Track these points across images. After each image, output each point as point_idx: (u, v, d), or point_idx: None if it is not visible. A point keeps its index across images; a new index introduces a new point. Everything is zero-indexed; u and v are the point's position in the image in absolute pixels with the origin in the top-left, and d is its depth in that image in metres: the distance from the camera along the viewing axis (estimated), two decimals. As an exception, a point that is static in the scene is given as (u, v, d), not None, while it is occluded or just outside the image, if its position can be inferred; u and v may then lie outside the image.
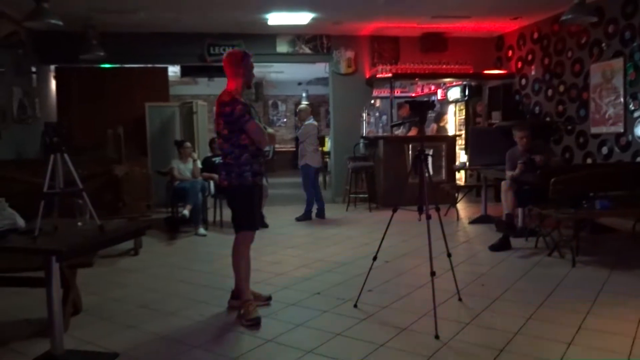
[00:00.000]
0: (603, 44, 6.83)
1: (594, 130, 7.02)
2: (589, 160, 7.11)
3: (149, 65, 9.02)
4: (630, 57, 6.38)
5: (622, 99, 6.50)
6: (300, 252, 5.45)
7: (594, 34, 6.99)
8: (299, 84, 15.64)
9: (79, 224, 3.01)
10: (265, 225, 6.59)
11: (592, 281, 4.14)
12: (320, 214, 7.50)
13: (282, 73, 13.40)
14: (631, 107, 6.38)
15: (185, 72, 10.42)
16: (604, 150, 6.85)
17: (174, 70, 10.44)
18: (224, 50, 8.61)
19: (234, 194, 3.52)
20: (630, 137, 6.41)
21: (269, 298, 3.80)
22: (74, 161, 3.03)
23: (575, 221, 5.01)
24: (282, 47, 8.90)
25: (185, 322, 3.45)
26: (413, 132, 8.57)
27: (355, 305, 3.63)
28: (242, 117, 3.39)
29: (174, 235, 6.48)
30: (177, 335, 3.20)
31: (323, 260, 5.04)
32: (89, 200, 2.96)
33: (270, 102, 16.31)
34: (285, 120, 16.72)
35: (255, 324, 3.32)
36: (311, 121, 7.62)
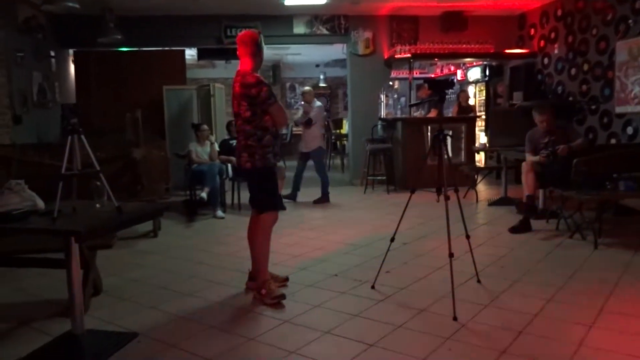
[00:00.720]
0: (630, 20, 6.62)
1: (619, 109, 6.84)
2: (613, 141, 6.94)
3: (166, 49, 9.03)
4: (658, 34, 6.18)
5: (649, 77, 6.32)
6: (318, 234, 5.46)
7: (620, 10, 6.78)
8: (317, 65, 15.53)
9: (97, 205, 3.04)
10: (283, 208, 6.60)
11: (615, 264, 4.07)
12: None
13: (299, 55, 13.31)
14: (658, 85, 6.20)
15: (202, 54, 10.41)
16: (629, 130, 6.68)
17: (190, 54, 10.45)
18: (241, 32, 8.57)
19: (258, 176, 3.52)
20: (657, 117, 6.24)
21: (286, 279, 3.81)
22: (93, 144, 3.06)
23: (598, 203, 4.92)
24: (299, 28, 8.82)
25: (203, 302, 3.48)
26: (433, 114, 8.46)
27: (372, 287, 3.62)
28: (269, 99, 3.38)
29: (193, 217, 6.53)
30: (195, 316, 3.24)
31: (340, 242, 5.03)
32: (106, 183, 2.98)
33: (287, 84, 16.22)
34: (302, 103, 16.61)
35: (279, 301, 3.35)
36: (319, 103, 7.59)
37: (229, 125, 7.47)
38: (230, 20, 8.53)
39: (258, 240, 3.57)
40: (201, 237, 5.58)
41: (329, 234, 5.45)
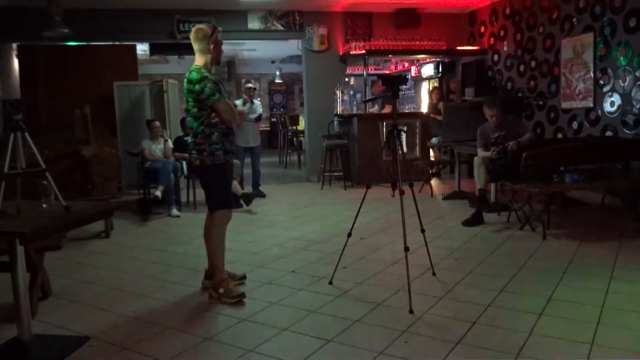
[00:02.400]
0: (574, 19, 6.88)
1: (565, 105, 7.10)
2: (559, 135, 7.21)
3: (117, 43, 8.76)
4: (600, 32, 6.43)
5: (592, 74, 6.58)
6: (275, 231, 5.43)
7: (565, 9, 7.03)
8: (272, 62, 15.44)
9: (44, 205, 2.92)
10: (239, 206, 6.52)
11: (562, 253, 4.22)
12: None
13: (254, 51, 13.19)
14: (601, 82, 6.46)
15: (154, 49, 10.16)
16: (574, 125, 6.95)
17: (143, 49, 10.19)
18: (194, 27, 8.41)
19: (208, 174, 3.47)
20: (599, 112, 6.50)
21: (244, 277, 3.77)
22: (40, 142, 2.93)
23: (546, 195, 5.09)
24: (254, 24, 8.73)
25: (158, 303, 3.40)
26: (387, 109, 8.55)
27: (330, 283, 3.63)
28: (212, 96, 3.32)
29: (147, 216, 6.38)
30: (151, 317, 3.16)
31: (298, 239, 5.02)
32: (53, 181, 2.87)
33: (243, 80, 16.04)
34: (259, 99, 16.49)
35: (239, 300, 3.32)
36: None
37: (182, 121, 7.32)
38: (183, 14, 8.35)
39: (212, 239, 3.52)
40: (156, 236, 5.45)
41: (286, 230, 5.43)
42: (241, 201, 6.46)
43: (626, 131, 6.09)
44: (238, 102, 7.60)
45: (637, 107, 5.93)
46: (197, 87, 3.32)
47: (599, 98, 6.49)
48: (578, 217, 5.67)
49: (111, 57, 8.68)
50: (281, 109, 16.36)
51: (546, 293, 3.33)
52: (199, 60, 3.46)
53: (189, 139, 3.84)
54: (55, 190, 2.85)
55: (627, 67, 6.06)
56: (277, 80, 16.46)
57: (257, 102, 7.65)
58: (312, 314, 3.11)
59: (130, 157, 7.30)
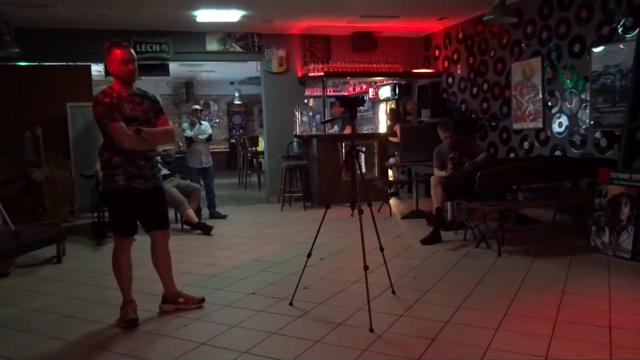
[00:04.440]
0: (522, 44, 7.20)
1: (516, 126, 7.38)
2: (512, 155, 7.46)
3: (71, 64, 8.58)
4: (547, 57, 6.75)
5: (540, 96, 6.87)
6: (235, 252, 5.38)
7: (514, 35, 7.35)
8: (231, 83, 15.44)
9: (-8, 230, 2.81)
10: (208, 228, 6.43)
11: (517, 270, 4.35)
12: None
13: (213, 72, 13.17)
14: (549, 103, 6.76)
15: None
16: (525, 145, 7.21)
17: (98, 69, 10.00)
18: (151, 48, 8.36)
19: (106, 199, 3.46)
20: (549, 132, 6.78)
21: (202, 300, 3.71)
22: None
23: (500, 213, 5.25)
24: (212, 45, 8.74)
25: (113, 330, 3.31)
26: (347, 130, 8.67)
27: (290, 304, 3.62)
28: (102, 120, 3.24)
29: (101, 240, 6.19)
30: (105, 344, 3.06)
31: (258, 260, 4.99)
32: (2, 206, 2.77)
33: (201, 102, 15.97)
34: (218, 120, 16.47)
35: (129, 325, 3.27)
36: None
37: None
38: (140, 36, 8.28)
39: (113, 266, 3.48)
40: (110, 261, 5.28)
41: (246, 252, 5.38)
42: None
43: (574, 150, 6.37)
44: (185, 124, 7.61)
45: (584, 127, 6.22)
46: (93, 109, 3.28)
47: (548, 119, 6.78)
48: (531, 234, 5.85)
49: (65, 77, 8.47)
50: (240, 130, 16.33)
51: (502, 308, 3.41)
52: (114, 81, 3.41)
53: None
54: (4, 215, 2.76)
55: (573, 90, 6.37)
56: (236, 102, 16.45)
57: (205, 123, 7.78)
58: (272, 336, 3.09)
59: (84, 180, 7.11)
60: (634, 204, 4.54)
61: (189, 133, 7.48)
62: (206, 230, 6.39)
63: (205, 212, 7.44)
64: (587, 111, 6.13)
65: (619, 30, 5.68)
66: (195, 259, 5.13)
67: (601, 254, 4.73)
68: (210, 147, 7.88)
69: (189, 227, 6.59)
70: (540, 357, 2.69)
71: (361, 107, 4.11)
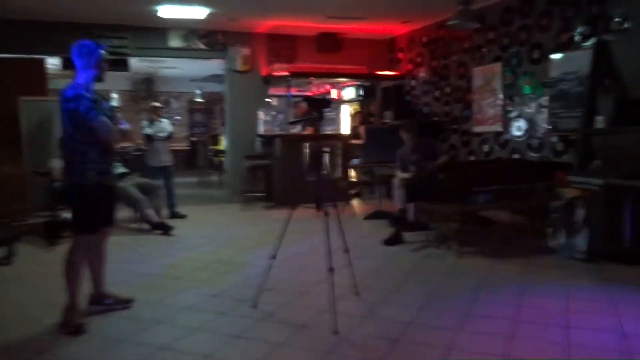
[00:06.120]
0: (484, 49, 7.37)
1: (477, 129, 7.55)
2: (472, 158, 7.63)
3: (24, 56, 8.25)
4: (507, 62, 6.93)
5: (500, 101, 7.05)
6: (196, 253, 5.29)
7: (476, 40, 7.51)
8: (193, 80, 15.19)
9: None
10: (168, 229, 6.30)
11: (477, 270, 4.44)
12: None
13: (174, 69, 12.93)
14: (509, 108, 6.94)
15: (68, 64, 9.68)
16: (485, 147, 7.39)
17: (54, 63, 9.67)
18: (111, 42, 8.13)
19: (74, 193, 3.33)
20: (508, 136, 6.97)
21: (130, 300, 3.64)
22: None
23: (460, 214, 5.35)
24: (175, 42, 8.58)
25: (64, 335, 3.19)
26: (309, 131, 8.66)
27: (254, 306, 3.58)
28: (87, 114, 3.18)
29: (55, 241, 5.97)
30: (59, 349, 2.95)
31: (220, 261, 4.93)
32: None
33: (162, 98, 15.67)
34: (179, 118, 16.19)
35: (77, 331, 3.16)
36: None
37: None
38: (100, 29, 8.05)
39: (65, 267, 3.33)
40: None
41: (208, 253, 5.31)
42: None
43: (532, 154, 6.56)
44: (144, 122, 7.45)
45: (541, 132, 6.42)
46: (71, 104, 3.19)
47: (507, 123, 6.96)
48: (490, 235, 5.99)
49: (17, 70, 8.14)
50: (202, 128, 16.12)
51: (463, 309, 3.47)
52: (80, 77, 3.33)
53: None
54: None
55: (531, 95, 6.56)
56: (198, 99, 16.22)
57: (165, 120, 7.63)
58: (235, 339, 3.05)
59: (38, 177, 6.85)
60: (588, 207, 4.70)
61: (148, 131, 7.32)
62: (166, 230, 6.26)
63: (165, 211, 7.29)
64: (545, 116, 6.32)
65: (577, 39, 5.89)
66: (155, 260, 5.01)
67: (557, 255, 4.87)
68: (170, 145, 7.73)
69: (148, 227, 6.44)
70: (499, 357, 2.75)
71: (326, 108, 4.10)
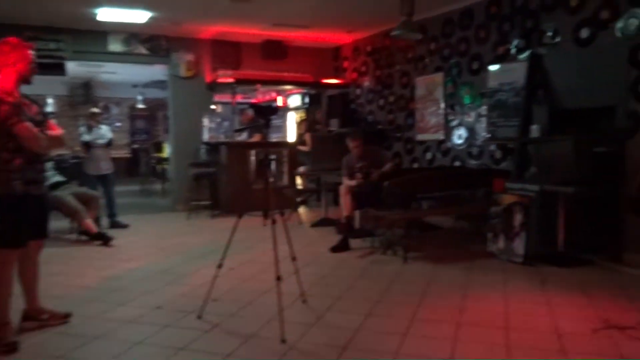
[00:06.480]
0: (426, 59, 7.58)
1: (420, 137, 7.74)
2: (415, 165, 7.81)
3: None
4: (448, 72, 7.16)
5: (442, 110, 7.27)
6: (138, 264, 5.13)
7: (419, 50, 7.72)
8: (134, 86, 14.79)
9: None
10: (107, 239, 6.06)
11: (422, 275, 4.53)
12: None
13: (114, 74, 12.55)
14: (450, 117, 7.16)
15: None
16: (428, 155, 7.58)
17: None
18: (47, 45, 7.79)
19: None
20: (449, 144, 7.18)
21: (68, 315, 3.48)
22: None
23: (405, 221, 5.45)
24: (115, 46, 8.33)
25: (-2, 352, 3.01)
26: (256, 138, 8.61)
27: (199, 317, 3.50)
28: (9, 120, 2.98)
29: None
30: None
31: (163, 272, 4.79)
32: None
33: (101, 104, 15.15)
34: (120, 124, 15.71)
35: (10, 349, 2.99)
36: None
37: None
38: (34, 31, 7.68)
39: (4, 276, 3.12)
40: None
41: (150, 263, 5.16)
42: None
43: (472, 161, 6.79)
44: (82, 128, 7.19)
45: (480, 140, 6.66)
46: None
47: (448, 131, 7.18)
48: (434, 240, 6.14)
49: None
50: (144, 136, 15.71)
51: (409, 314, 3.53)
52: (1, 79, 3.08)
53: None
54: None
55: (471, 105, 6.80)
56: (140, 106, 15.80)
57: (104, 127, 7.37)
58: (180, 352, 2.96)
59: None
60: (525, 212, 4.91)
61: (86, 137, 7.04)
62: (106, 240, 6.04)
63: (105, 221, 7.04)
64: (484, 125, 6.57)
65: (513, 51, 6.16)
66: (94, 272, 4.82)
67: (497, 258, 5.06)
68: (111, 152, 7.48)
69: (87, 237, 6.19)
70: (445, 359, 2.81)
71: (273, 116, 4.10)
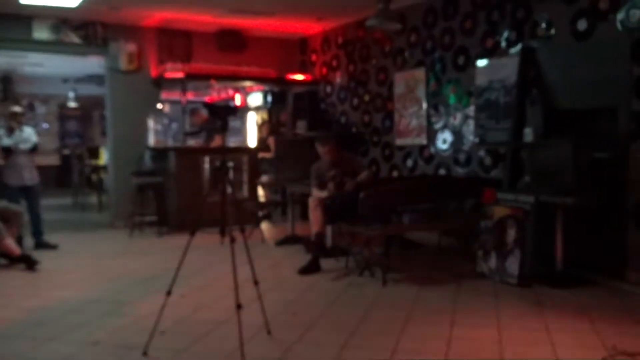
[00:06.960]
0: (406, 53, 7.69)
1: (399, 142, 7.83)
2: (395, 173, 7.88)
3: None
4: (431, 68, 7.28)
5: (424, 110, 7.37)
6: (70, 292, 5.02)
7: (397, 42, 7.82)
8: (65, 81, 14.53)
9: None
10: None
11: (403, 299, 4.57)
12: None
13: (41, 66, 12.30)
14: (433, 118, 7.27)
15: None
16: (409, 162, 7.67)
17: None
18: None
19: None
20: (433, 149, 7.29)
21: None
22: None
23: (384, 237, 5.49)
24: (41, 34, 8.17)
25: None
26: (217, 142, 8.56)
27: (144, 353, 3.44)
28: None
29: None
30: None
31: (101, 301, 4.71)
32: None
33: (24, 102, 14.81)
34: (47, 126, 15.40)
35: None
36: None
37: None
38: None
39: None
40: None
41: (86, 291, 5.06)
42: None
43: (458, 169, 6.90)
44: (0, 131, 7.01)
45: (468, 145, 6.77)
46: None
47: (432, 135, 7.29)
48: (416, 259, 6.20)
49: None
50: (76, 139, 15.46)
51: (390, 345, 3.55)
52: None
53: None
54: None
55: (457, 105, 6.92)
56: (71, 104, 15.52)
57: (28, 129, 7.22)
58: (122, 395, 2.91)
59: None
60: (519, 227, 5.01)
61: (5, 142, 6.86)
62: (31, 264, 5.89)
63: (29, 241, 6.87)
64: (472, 127, 6.68)
65: (502, 44, 6.30)
66: (16, 301, 4.70)
67: (488, 279, 5.14)
68: (36, 159, 7.31)
69: (6, 261, 6.04)
70: (432, 397, 2.83)
71: (232, 117, 4.08)
